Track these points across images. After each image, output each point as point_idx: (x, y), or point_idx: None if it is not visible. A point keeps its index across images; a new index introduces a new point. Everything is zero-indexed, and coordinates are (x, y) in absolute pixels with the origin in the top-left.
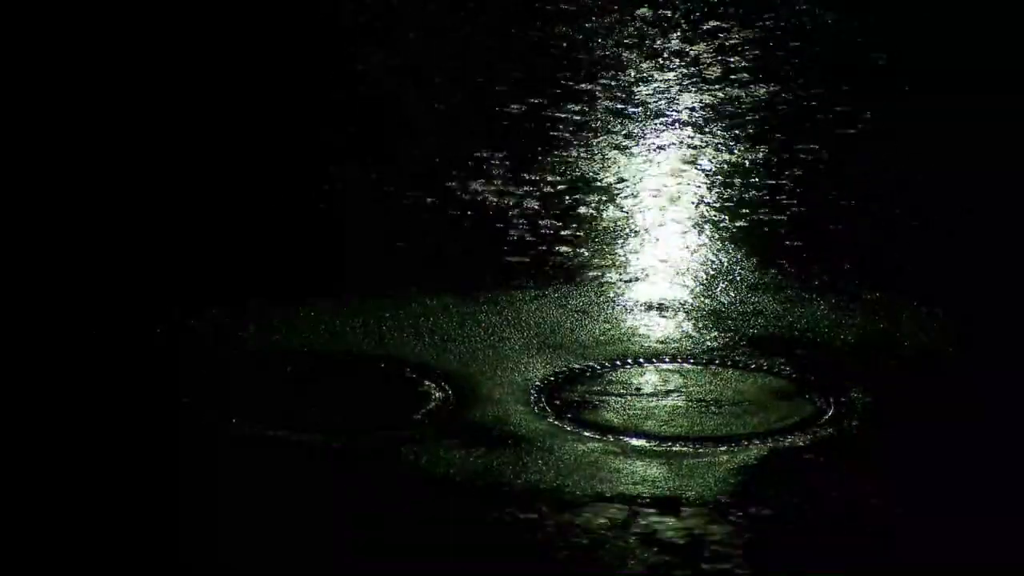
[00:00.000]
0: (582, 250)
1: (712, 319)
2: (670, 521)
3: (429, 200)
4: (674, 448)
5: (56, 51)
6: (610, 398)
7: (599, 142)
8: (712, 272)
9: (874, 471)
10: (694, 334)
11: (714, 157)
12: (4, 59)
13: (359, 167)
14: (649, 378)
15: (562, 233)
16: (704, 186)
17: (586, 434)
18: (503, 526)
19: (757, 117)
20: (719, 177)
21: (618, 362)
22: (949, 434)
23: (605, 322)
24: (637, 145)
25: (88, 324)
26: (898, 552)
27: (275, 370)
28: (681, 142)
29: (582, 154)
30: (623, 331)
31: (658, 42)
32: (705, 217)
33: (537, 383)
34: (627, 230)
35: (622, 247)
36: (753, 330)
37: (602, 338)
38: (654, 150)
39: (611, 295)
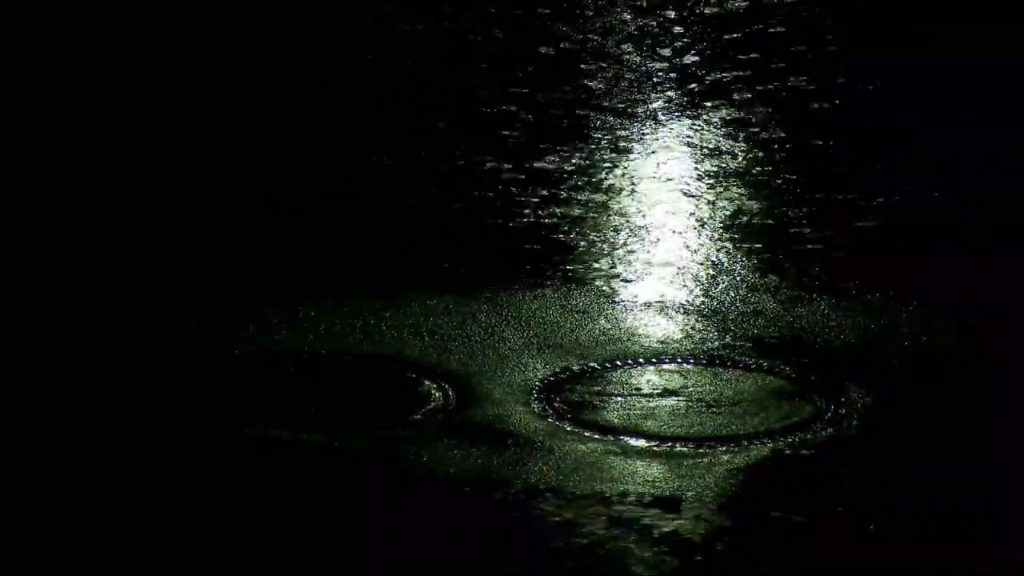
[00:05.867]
0: (582, 250)
1: (712, 319)
2: (670, 521)
3: (429, 201)
4: (674, 448)
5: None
6: (610, 398)
7: (599, 142)
8: (712, 272)
9: (874, 471)
10: (694, 334)
11: (714, 157)
12: (6, 61)
13: (358, 167)
14: (649, 378)
15: (562, 233)
16: (704, 186)
17: (586, 434)
18: (503, 526)
19: (758, 117)
20: (719, 177)
21: (618, 362)
22: (949, 434)
23: (605, 322)
24: (637, 145)
25: (89, 324)
26: (899, 553)
27: (275, 370)
28: (681, 142)
29: (582, 154)
30: (623, 331)
31: (659, 42)
32: (705, 217)
33: (537, 383)
34: (627, 230)
35: (622, 247)
36: (753, 330)
37: (602, 338)
38: (654, 150)
39: (611, 295)
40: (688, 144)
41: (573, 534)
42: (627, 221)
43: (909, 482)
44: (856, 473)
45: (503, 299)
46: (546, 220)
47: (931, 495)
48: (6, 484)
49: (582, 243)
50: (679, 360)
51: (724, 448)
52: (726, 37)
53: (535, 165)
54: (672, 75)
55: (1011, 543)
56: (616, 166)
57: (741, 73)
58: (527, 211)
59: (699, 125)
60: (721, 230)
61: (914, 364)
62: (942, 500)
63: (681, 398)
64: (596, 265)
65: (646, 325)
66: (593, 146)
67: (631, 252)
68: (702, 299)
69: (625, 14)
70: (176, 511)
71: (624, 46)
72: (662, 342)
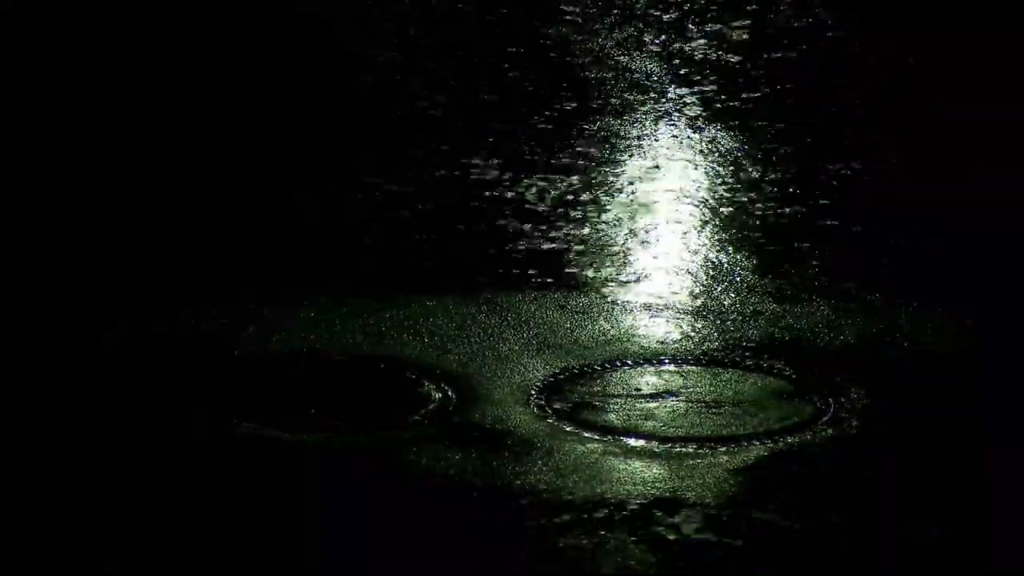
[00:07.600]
0: (581, 250)
1: (712, 320)
2: (670, 521)
3: (429, 202)
4: (674, 449)
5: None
6: (610, 399)
7: (598, 142)
8: (712, 273)
9: (874, 472)
10: (694, 335)
11: (714, 158)
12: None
13: (359, 167)
14: (649, 379)
15: (562, 234)
16: (704, 186)
17: (586, 435)
18: (502, 527)
19: (758, 117)
20: (719, 178)
21: (618, 363)
22: (949, 434)
23: (605, 323)
24: (636, 145)
25: (88, 324)
26: (899, 554)
27: (275, 370)
28: (681, 142)
29: (581, 154)
30: (623, 332)
31: (659, 42)
32: (705, 217)
33: (537, 383)
34: (627, 230)
35: (622, 247)
36: (753, 331)
37: (602, 339)
38: (653, 150)
39: (611, 295)
40: (687, 145)
41: (572, 535)
42: (626, 222)
43: (909, 482)
44: (856, 473)
45: (502, 300)
46: (545, 221)
47: (931, 495)
48: (5, 484)
49: (581, 244)
50: (679, 361)
51: (724, 449)
52: (730, 38)
53: (534, 166)
54: (670, 75)
55: (1011, 544)
56: (615, 167)
57: (740, 73)
58: (526, 212)
59: (698, 125)
60: (721, 231)
61: (914, 364)
62: (942, 500)
63: (681, 399)
64: (595, 266)
65: (646, 326)
66: (592, 147)
67: (630, 253)
68: (702, 300)
69: (623, 16)
70: (176, 511)
71: (622, 47)
72: (662, 343)
